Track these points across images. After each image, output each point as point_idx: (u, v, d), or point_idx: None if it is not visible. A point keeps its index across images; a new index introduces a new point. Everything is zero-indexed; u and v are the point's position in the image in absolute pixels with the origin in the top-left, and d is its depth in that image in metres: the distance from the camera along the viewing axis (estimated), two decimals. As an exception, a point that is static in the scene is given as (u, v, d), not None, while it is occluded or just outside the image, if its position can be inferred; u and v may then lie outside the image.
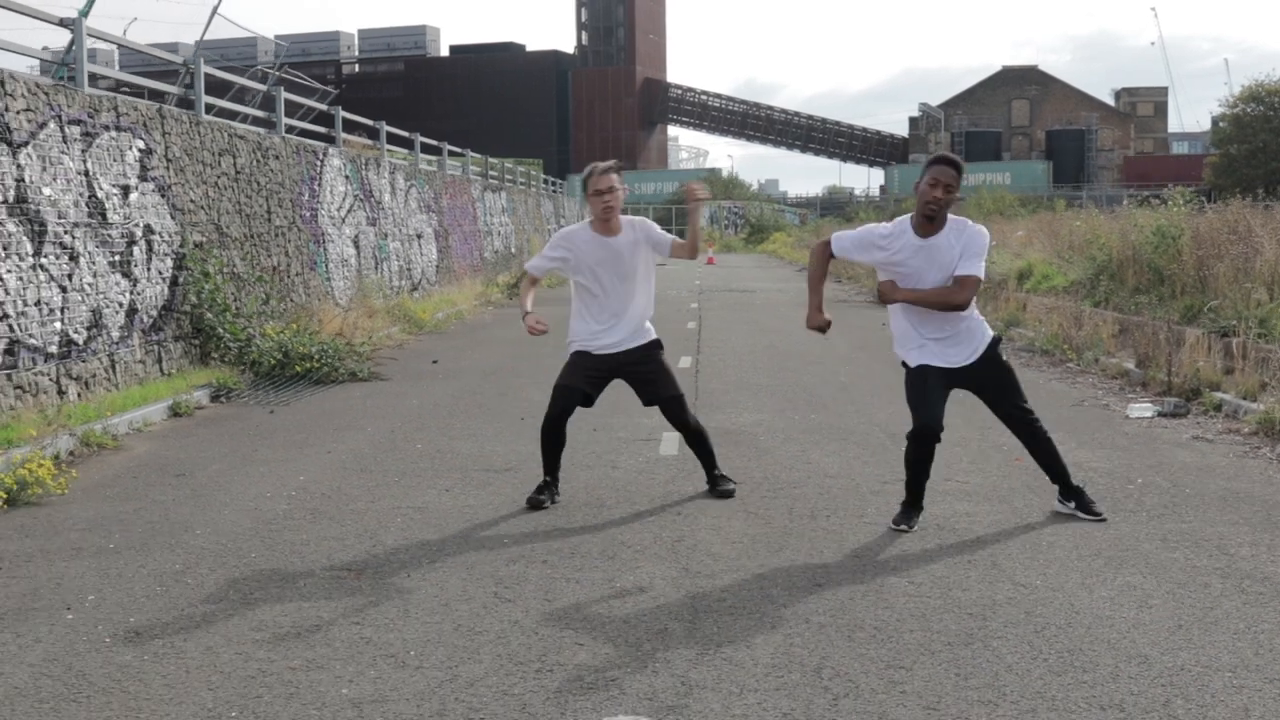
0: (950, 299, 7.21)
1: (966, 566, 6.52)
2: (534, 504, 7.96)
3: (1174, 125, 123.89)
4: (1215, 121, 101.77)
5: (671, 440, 10.23)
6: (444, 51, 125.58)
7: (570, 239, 8.17)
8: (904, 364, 7.55)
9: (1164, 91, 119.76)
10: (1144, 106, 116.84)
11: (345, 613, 5.83)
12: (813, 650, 5.23)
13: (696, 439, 8.28)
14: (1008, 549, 6.87)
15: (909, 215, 7.43)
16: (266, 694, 4.81)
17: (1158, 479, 8.73)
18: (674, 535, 7.22)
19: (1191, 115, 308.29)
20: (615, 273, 8.04)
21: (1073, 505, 7.65)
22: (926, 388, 7.35)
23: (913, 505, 7.51)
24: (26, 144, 11.49)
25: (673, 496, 8.20)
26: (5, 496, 8.17)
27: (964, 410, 11.86)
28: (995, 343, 7.55)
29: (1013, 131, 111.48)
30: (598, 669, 5.01)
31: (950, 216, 7.32)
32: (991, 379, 7.50)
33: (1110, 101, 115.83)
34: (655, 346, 8.25)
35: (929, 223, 7.25)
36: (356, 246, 22.24)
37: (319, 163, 20.58)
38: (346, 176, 22.17)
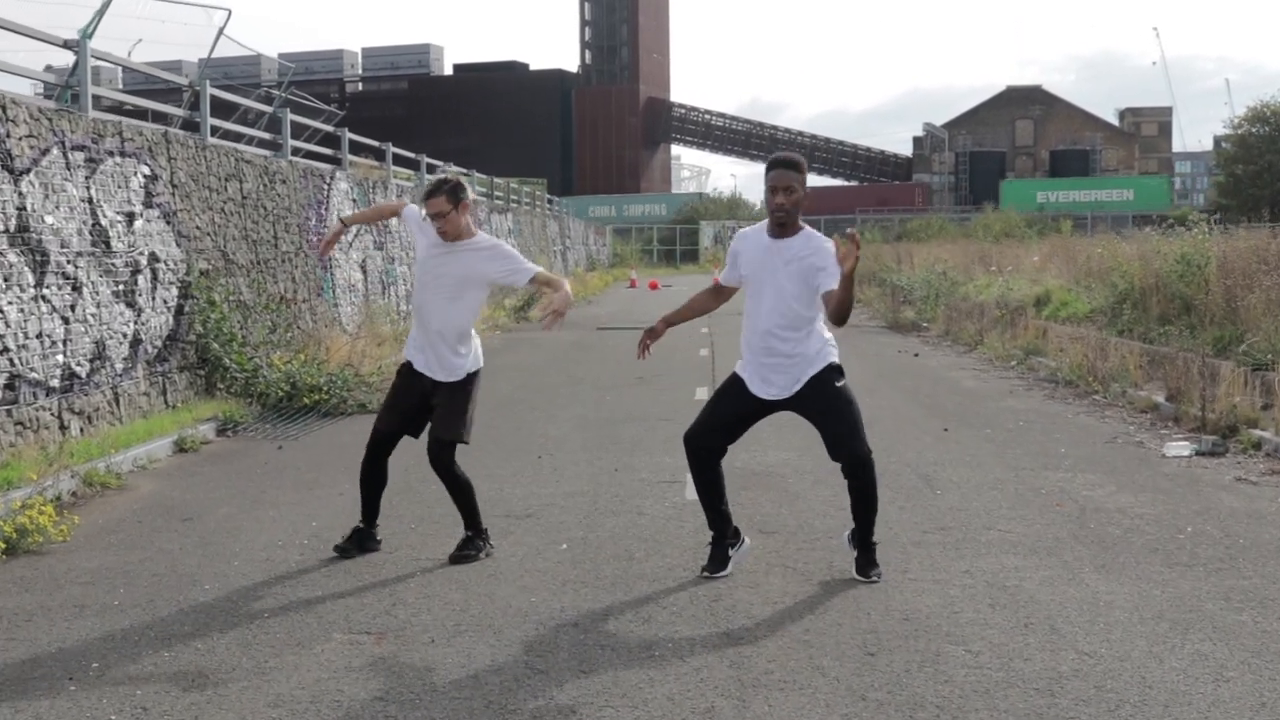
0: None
1: (1024, 632, 6.14)
2: (339, 550, 7.70)
3: (1176, 145, 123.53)
4: (1217, 142, 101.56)
5: (697, 482, 9.86)
6: (447, 70, 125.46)
7: (426, 230, 7.70)
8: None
9: (1168, 111, 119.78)
10: (1148, 126, 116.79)
11: (367, 685, 5.44)
12: (874, 734, 4.85)
13: (455, 490, 7.75)
14: (1065, 611, 6.48)
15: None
16: (286, 787, 4.43)
17: (1207, 527, 8.35)
18: (710, 594, 6.83)
19: (1194, 135, 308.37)
20: (441, 284, 7.55)
21: (855, 556, 7.25)
22: (720, 399, 7.25)
23: (718, 539, 7.29)
24: (29, 171, 11.16)
25: (704, 547, 7.78)
26: (4, 546, 7.80)
27: (994, 447, 11.50)
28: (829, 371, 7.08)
29: (1016, 151, 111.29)
30: (645, 758, 4.64)
31: (804, 226, 7.07)
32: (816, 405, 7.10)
33: (1114, 121, 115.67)
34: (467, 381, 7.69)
35: (781, 229, 7.02)
36: (364, 271, 21.89)
37: (326, 186, 20.24)
38: (354, 200, 21.83)
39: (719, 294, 7.58)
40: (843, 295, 6.69)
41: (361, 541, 7.80)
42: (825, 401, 7.06)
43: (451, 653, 5.87)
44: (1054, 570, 7.29)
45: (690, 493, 9.51)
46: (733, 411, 7.21)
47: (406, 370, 7.72)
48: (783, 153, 7.15)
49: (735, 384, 7.21)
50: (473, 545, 7.66)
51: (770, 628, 6.22)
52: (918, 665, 5.64)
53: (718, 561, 7.24)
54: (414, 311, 7.79)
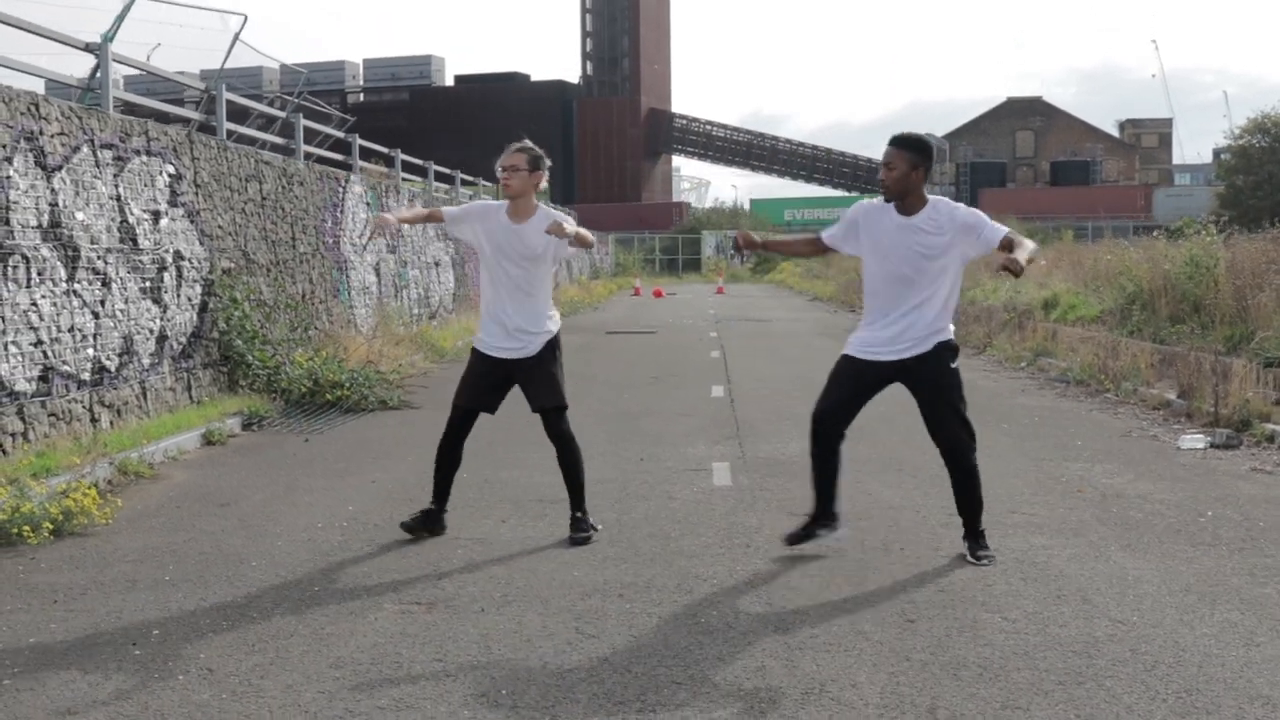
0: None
1: (1057, 602, 6.31)
2: (406, 526, 7.81)
3: (1176, 157, 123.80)
4: (1216, 154, 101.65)
5: (723, 470, 10.04)
6: (449, 81, 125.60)
7: (486, 209, 7.89)
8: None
9: (1168, 123, 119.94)
10: (1148, 138, 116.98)
11: (424, 649, 5.61)
12: (921, 690, 5.01)
13: (567, 459, 7.85)
14: (1095, 584, 6.65)
15: None
16: (359, 735, 4.60)
17: (1228, 511, 8.52)
18: (749, 569, 7.01)
19: (1194, 147, 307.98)
20: (513, 261, 7.69)
21: (967, 546, 7.34)
22: (838, 378, 7.33)
23: (816, 518, 7.37)
24: (60, 168, 11.33)
25: (737, 528, 7.99)
26: (51, 527, 7.96)
27: (1011, 440, 11.67)
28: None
29: (1017, 162, 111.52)
30: (703, 710, 4.80)
31: (933, 197, 7.17)
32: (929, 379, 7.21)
33: (1115, 133, 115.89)
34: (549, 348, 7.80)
35: (900, 201, 7.11)
36: (378, 274, 22.06)
37: (341, 189, 20.42)
38: (367, 203, 22.01)
39: (816, 247, 7.64)
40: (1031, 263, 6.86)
41: (429, 522, 7.87)
42: (938, 378, 7.17)
43: (502, 620, 6.04)
44: (1080, 549, 7.46)
45: (719, 479, 9.73)
46: (852, 387, 7.27)
47: (481, 356, 7.85)
48: (902, 132, 7.22)
49: (849, 363, 7.28)
50: (584, 525, 7.77)
51: (810, 598, 6.39)
52: (957, 631, 5.81)
53: (800, 537, 7.30)
54: (485, 299, 7.89)
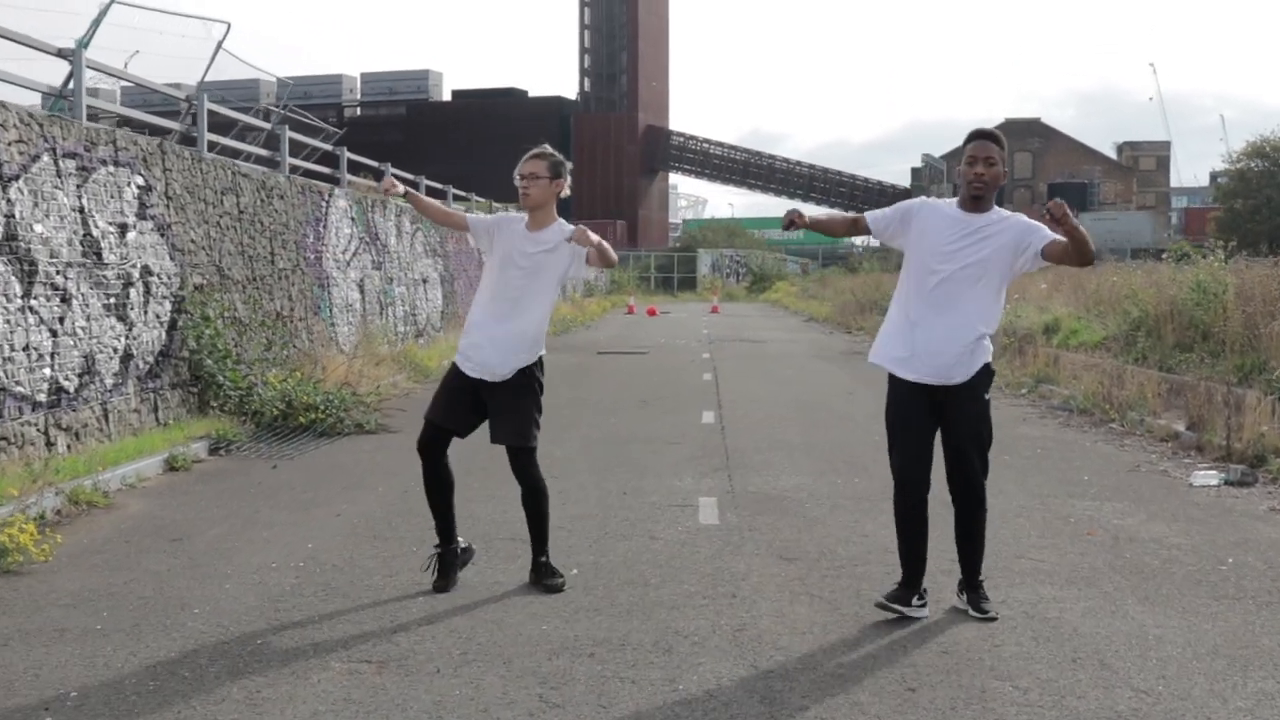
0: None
1: (1073, 667, 5.72)
2: (438, 589, 7.07)
3: (1174, 180, 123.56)
4: (1214, 177, 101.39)
5: (710, 507, 9.45)
6: (446, 96, 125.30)
7: (509, 219, 7.34)
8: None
9: (1166, 146, 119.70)
10: (1146, 161, 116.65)
11: (368, 719, 5.01)
12: (925, 779, 4.42)
13: (530, 503, 7.29)
14: (1113, 645, 6.06)
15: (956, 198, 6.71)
16: (279, 832, 4.00)
17: (1249, 559, 7.94)
18: (733, 623, 6.40)
19: (1191, 170, 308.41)
20: (516, 270, 7.12)
21: (965, 599, 6.73)
22: (900, 425, 6.70)
23: (909, 583, 6.68)
24: (17, 178, 10.75)
25: (723, 574, 7.39)
26: (-18, 565, 7.37)
27: (1014, 474, 11.09)
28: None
29: (1015, 184, 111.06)
30: (676, 804, 4.21)
31: (996, 205, 6.60)
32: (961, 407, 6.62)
33: (1113, 155, 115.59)
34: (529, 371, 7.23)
35: (976, 203, 6.54)
36: (361, 291, 21.47)
37: (324, 203, 19.83)
38: (352, 218, 21.43)
39: (857, 226, 7.03)
40: (1078, 237, 6.20)
41: (447, 565, 7.18)
42: (970, 414, 6.62)
43: (459, 684, 5.44)
44: (1095, 601, 6.87)
45: (705, 516, 9.14)
46: (919, 426, 6.63)
47: (455, 369, 7.28)
48: (984, 127, 6.67)
49: (900, 396, 6.68)
50: (550, 571, 7.18)
51: (801, 661, 5.79)
52: (964, 702, 5.22)
53: (897, 600, 6.58)
54: (475, 308, 7.32)
